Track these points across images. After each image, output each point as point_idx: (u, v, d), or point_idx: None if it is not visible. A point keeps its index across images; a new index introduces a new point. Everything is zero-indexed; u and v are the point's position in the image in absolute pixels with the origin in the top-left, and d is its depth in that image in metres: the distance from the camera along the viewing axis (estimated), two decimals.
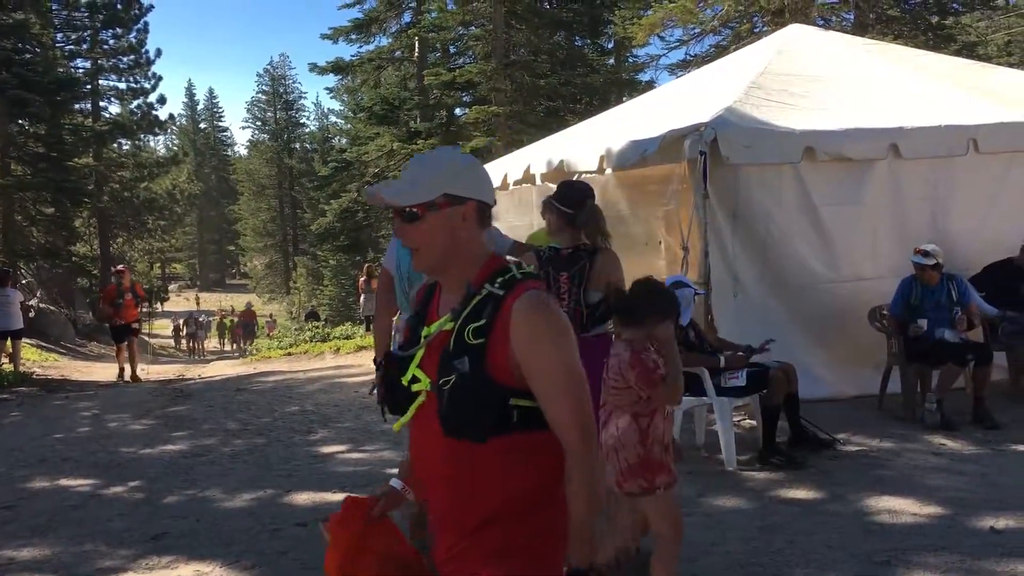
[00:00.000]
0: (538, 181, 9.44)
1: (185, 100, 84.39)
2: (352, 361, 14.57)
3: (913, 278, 6.99)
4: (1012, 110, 7.95)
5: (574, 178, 8.40)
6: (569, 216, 4.48)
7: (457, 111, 27.88)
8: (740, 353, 6.01)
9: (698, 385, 5.92)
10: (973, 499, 4.94)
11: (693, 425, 6.46)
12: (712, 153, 7.08)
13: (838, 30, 17.92)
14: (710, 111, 7.58)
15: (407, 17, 28.43)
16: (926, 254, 6.86)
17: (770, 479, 5.55)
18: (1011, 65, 41.24)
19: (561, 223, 4.52)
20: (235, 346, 35.60)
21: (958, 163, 7.53)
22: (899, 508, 4.87)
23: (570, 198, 4.54)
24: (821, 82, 8.62)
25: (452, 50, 27.83)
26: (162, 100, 31.77)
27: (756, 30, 20.39)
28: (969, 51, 21.37)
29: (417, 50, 28.08)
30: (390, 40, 28.85)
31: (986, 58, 24.77)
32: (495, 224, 2.70)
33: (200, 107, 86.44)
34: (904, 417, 6.81)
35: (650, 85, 26.10)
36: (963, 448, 6.06)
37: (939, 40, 20.34)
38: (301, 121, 75.43)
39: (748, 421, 6.77)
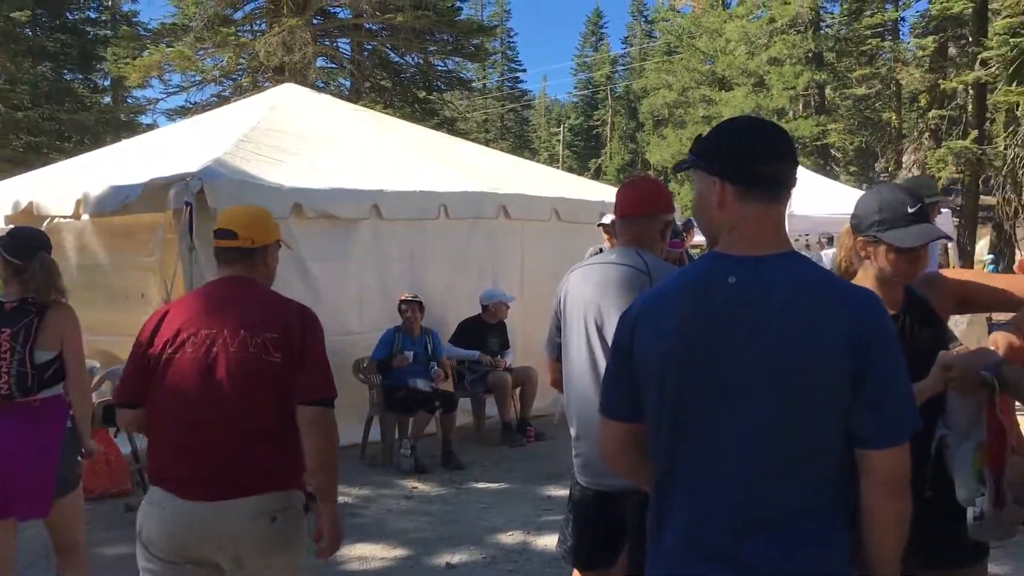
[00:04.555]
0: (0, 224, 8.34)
1: None
2: None
3: (396, 329, 7.48)
4: (475, 181, 8.95)
5: (45, 223, 7.66)
6: (17, 267, 4.01)
7: None
8: None
9: None
10: (435, 538, 5.34)
11: None
12: (200, 204, 6.88)
13: (335, 94, 18.88)
14: (199, 161, 7.39)
15: None
16: (414, 297, 7.51)
17: None
18: (487, 141, 47.01)
19: (8, 274, 4.04)
20: None
21: (431, 226, 8.24)
22: (370, 554, 5.09)
23: (20, 247, 4.07)
24: (311, 142, 8.88)
25: None
26: None
27: (259, 84, 20.60)
28: (450, 126, 23.90)
29: None
30: None
31: (465, 133, 27.89)
32: None
33: None
34: (383, 463, 7.18)
35: (152, 128, 24.91)
36: (432, 489, 6.54)
37: (424, 113, 22.45)
38: None
39: None
